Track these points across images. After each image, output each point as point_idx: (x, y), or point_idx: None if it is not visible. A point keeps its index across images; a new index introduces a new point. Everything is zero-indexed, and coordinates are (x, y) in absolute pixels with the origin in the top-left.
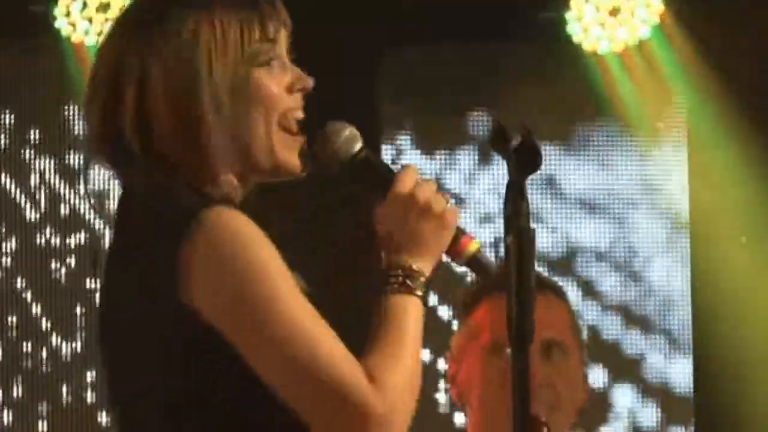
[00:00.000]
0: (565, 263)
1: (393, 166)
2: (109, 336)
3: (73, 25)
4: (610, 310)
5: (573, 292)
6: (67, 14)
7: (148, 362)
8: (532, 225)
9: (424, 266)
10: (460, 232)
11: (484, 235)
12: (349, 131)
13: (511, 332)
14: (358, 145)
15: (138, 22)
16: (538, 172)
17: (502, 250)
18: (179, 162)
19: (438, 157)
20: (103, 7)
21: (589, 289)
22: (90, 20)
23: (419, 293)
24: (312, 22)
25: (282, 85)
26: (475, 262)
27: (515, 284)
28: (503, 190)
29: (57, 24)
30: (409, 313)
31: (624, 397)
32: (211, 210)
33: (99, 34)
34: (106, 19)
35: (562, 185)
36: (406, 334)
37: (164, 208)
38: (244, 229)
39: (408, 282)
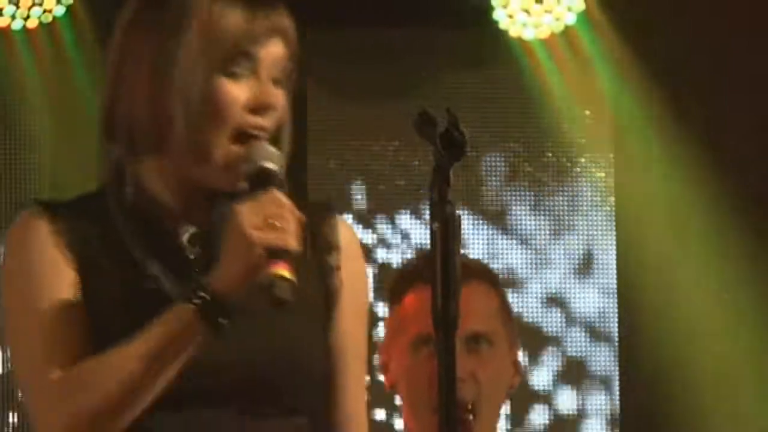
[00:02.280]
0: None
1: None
2: None
3: (0, 9)
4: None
5: None
6: None
7: None
8: (457, 211)
9: (217, 282)
10: (273, 255)
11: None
12: (275, 151)
13: (436, 320)
14: (272, 165)
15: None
16: (464, 158)
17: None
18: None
19: (363, 145)
20: None
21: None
22: (17, 5)
23: (194, 302)
24: None
25: (241, 100)
26: (267, 288)
27: (440, 271)
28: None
29: None
30: (171, 320)
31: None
32: (20, 214)
33: (25, 19)
34: (34, 3)
35: (486, 174)
36: (148, 338)
37: None
38: (25, 240)
39: (192, 292)
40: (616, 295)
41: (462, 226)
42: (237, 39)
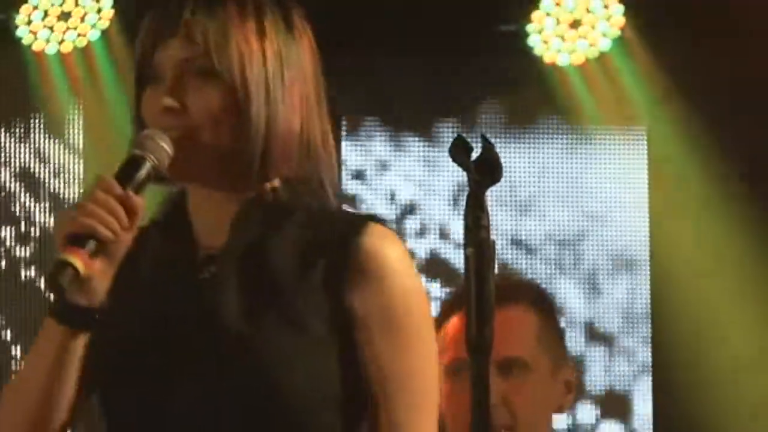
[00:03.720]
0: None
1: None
2: None
3: (34, 33)
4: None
5: None
6: (28, 23)
7: None
8: (492, 237)
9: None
10: (68, 242)
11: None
12: (162, 141)
13: (470, 346)
14: (148, 162)
15: None
16: (499, 183)
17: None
18: None
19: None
20: (64, 16)
21: None
22: (51, 29)
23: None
24: None
25: (159, 107)
26: (54, 265)
27: (474, 296)
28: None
29: (18, 33)
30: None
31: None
32: None
33: (60, 43)
34: (67, 28)
35: (522, 196)
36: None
37: None
38: None
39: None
40: (650, 324)
41: (497, 252)
42: (143, 50)
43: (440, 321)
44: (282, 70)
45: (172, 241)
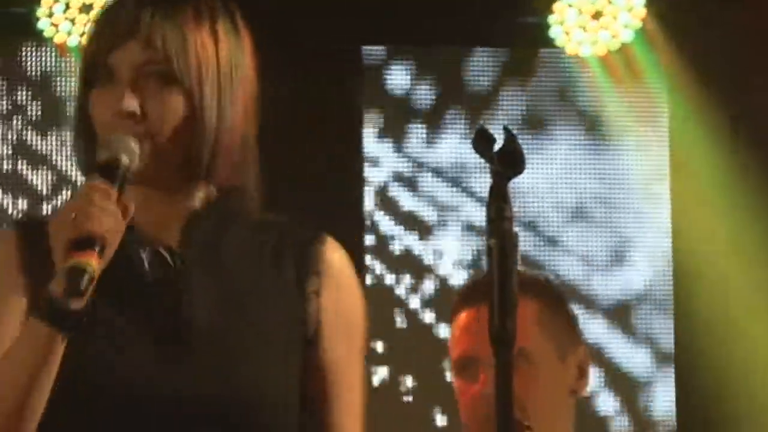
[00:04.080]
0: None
1: None
2: None
3: (56, 25)
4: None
5: None
6: (50, 15)
7: None
8: (515, 228)
9: (51, 286)
10: (73, 247)
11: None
12: (131, 142)
13: (492, 336)
14: (125, 158)
15: None
16: (521, 175)
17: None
18: None
19: (419, 159)
20: (86, 8)
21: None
22: (73, 21)
23: (35, 316)
24: (294, 19)
25: (111, 110)
26: (65, 275)
27: (497, 288)
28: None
29: (40, 25)
30: (21, 337)
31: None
32: None
33: (81, 35)
34: (89, 20)
35: (545, 190)
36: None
37: None
38: None
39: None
40: (673, 320)
41: (519, 244)
42: (97, 49)
43: (451, 318)
44: (232, 75)
45: None
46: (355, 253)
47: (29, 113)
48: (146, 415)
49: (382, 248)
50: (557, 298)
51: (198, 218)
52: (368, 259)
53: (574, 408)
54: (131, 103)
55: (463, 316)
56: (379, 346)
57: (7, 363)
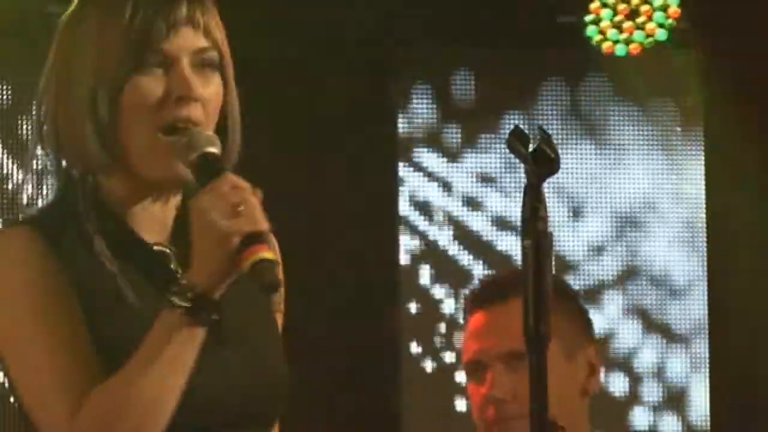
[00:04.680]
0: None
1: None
2: None
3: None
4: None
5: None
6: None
7: None
8: (550, 229)
9: (198, 281)
10: (250, 241)
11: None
12: (210, 134)
13: (527, 335)
14: (213, 149)
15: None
16: (556, 175)
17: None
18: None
19: (459, 161)
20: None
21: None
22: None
23: (179, 305)
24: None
25: (156, 94)
26: (254, 273)
27: (532, 288)
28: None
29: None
30: (162, 329)
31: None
32: (2, 232)
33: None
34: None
35: (580, 188)
36: (146, 353)
37: None
38: (20, 258)
39: (175, 297)
40: (707, 313)
41: (553, 244)
42: (155, 33)
43: (464, 316)
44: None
45: (117, 236)
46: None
47: None
48: (199, 410)
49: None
50: (564, 296)
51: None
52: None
53: (587, 407)
54: (198, 87)
55: (472, 320)
56: None
57: (156, 361)
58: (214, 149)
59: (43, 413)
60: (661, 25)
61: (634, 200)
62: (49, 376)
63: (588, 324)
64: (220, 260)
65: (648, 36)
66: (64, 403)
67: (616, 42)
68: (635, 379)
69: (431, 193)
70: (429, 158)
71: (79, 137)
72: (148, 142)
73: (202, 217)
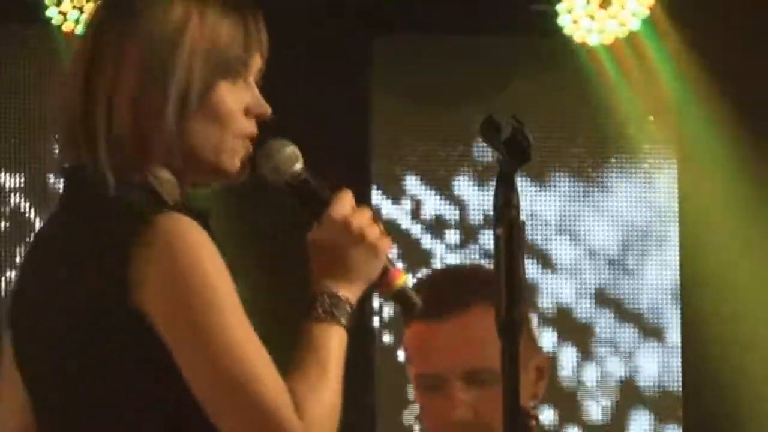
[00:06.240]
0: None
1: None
2: (34, 333)
3: (64, 14)
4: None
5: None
6: (58, 3)
7: (93, 364)
8: (522, 217)
9: (351, 295)
10: (389, 264)
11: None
12: (290, 150)
13: (500, 324)
14: (299, 165)
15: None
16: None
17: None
18: (126, 147)
19: (429, 151)
20: None
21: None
22: (81, 9)
23: (343, 322)
24: (300, 13)
25: (241, 105)
26: (400, 296)
27: (504, 277)
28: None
29: (48, 13)
30: (332, 342)
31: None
32: (166, 216)
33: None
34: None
35: (551, 180)
36: (328, 364)
37: (114, 205)
38: (199, 241)
39: (333, 310)
40: (679, 299)
41: (526, 232)
42: (236, 48)
43: (404, 324)
44: None
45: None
46: None
47: None
48: None
49: None
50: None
51: None
52: None
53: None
54: (267, 107)
55: (422, 329)
56: None
57: (340, 370)
58: (300, 166)
59: (275, 411)
60: (635, 15)
61: (606, 192)
62: (267, 371)
63: (535, 337)
64: (370, 275)
65: (621, 26)
66: (289, 401)
67: (588, 31)
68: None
69: (402, 182)
70: (402, 151)
71: (164, 132)
72: (219, 142)
73: (351, 231)
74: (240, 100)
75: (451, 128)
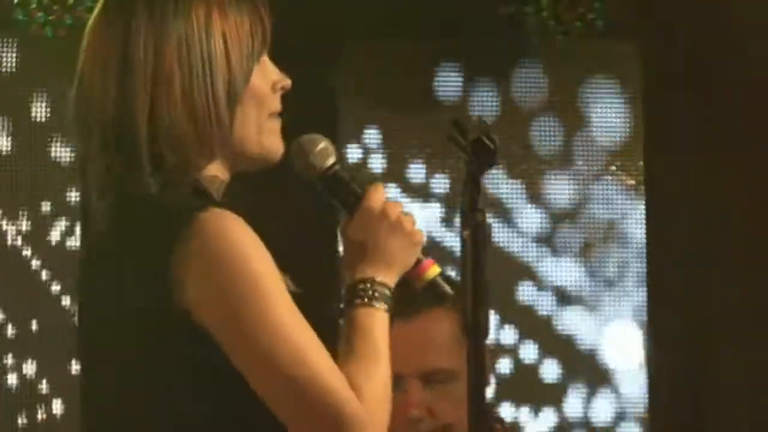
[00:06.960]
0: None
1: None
2: (93, 333)
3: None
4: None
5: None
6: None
7: (142, 363)
8: (488, 219)
9: (389, 281)
10: (422, 255)
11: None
12: (324, 144)
13: (467, 325)
14: (331, 160)
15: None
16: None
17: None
18: (176, 150)
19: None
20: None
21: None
22: (47, 12)
23: (385, 307)
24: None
25: (269, 83)
26: (433, 286)
27: (470, 278)
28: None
29: (16, 14)
30: (377, 326)
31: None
32: (209, 212)
33: (55, 26)
34: (66, 12)
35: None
36: (376, 346)
37: (159, 203)
38: (243, 235)
39: (375, 296)
40: (646, 300)
41: (492, 235)
42: (259, 32)
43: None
44: None
45: None
46: None
47: None
48: None
49: None
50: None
51: None
52: None
53: None
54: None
55: (390, 328)
56: None
57: (385, 353)
58: (333, 159)
59: (334, 393)
60: (599, 14)
61: (569, 200)
62: (322, 357)
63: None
64: (407, 263)
65: (587, 25)
66: (346, 384)
67: (555, 32)
68: None
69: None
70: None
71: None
72: (258, 124)
73: (389, 220)
74: (267, 78)
75: (417, 132)
